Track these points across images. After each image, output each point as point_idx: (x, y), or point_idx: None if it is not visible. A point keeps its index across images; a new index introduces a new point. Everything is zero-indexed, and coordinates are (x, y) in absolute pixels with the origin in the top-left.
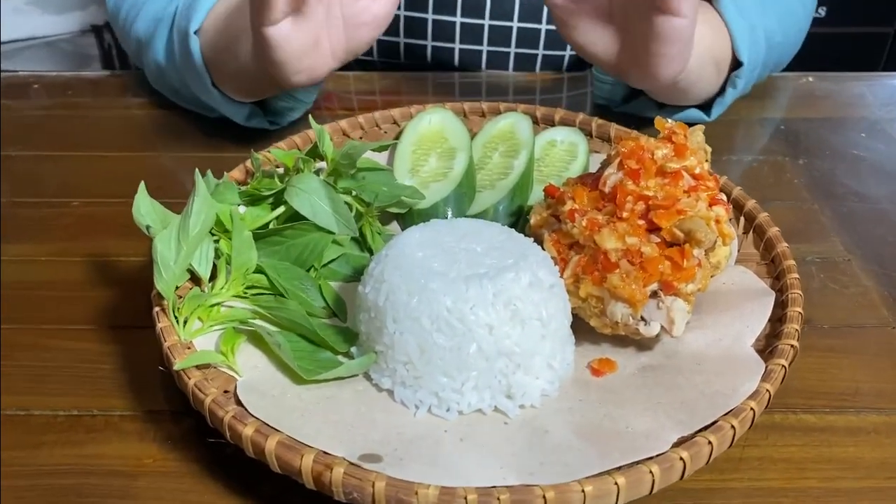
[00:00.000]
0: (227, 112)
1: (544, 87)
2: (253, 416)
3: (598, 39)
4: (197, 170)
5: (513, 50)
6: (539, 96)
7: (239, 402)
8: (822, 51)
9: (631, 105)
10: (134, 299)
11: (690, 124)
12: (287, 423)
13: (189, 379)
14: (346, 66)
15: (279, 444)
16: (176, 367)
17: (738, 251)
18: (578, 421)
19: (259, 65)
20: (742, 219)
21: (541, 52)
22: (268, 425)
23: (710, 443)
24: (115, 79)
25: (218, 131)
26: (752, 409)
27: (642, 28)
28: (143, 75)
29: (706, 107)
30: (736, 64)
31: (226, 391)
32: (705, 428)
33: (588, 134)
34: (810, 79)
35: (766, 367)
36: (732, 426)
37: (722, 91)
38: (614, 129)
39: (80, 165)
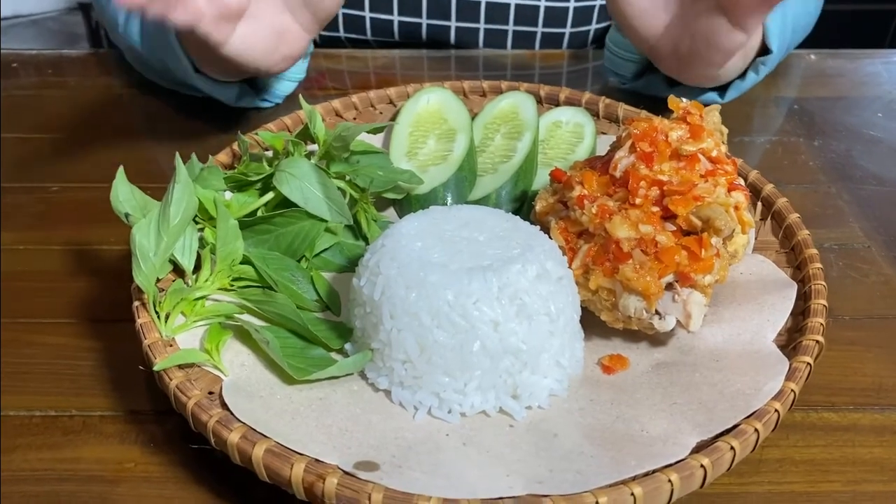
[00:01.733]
0: (214, 94)
1: (543, 66)
2: (239, 420)
3: (645, 17)
4: (178, 154)
5: (511, 27)
6: (538, 73)
7: (225, 405)
8: (824, 28)
9: (641, 82)
10: (116, 291)
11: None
12: (276, 427)
13: (171, 380)
14: (339, 45)
15: (267, 451)
16: (156, 367)
17: (756, 238)
18: (590, 423)
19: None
20: (759, 204)
21: (540, 29)
22: (255, 430)
23: (732, 448)
24: (99, 57)
25: (205, 111)
26: (776, 410)
27: (698, 27)
28: (122, 56)
29: (722, 88)
30: (762, 49)
31: (211, 392)
32: (726, 431)
33: (595, 114)
34: (812, 57)
35: (790, 365)
36: (756, 430)
37: (742, 74)
38: (622, 109)
39: (61, 148)
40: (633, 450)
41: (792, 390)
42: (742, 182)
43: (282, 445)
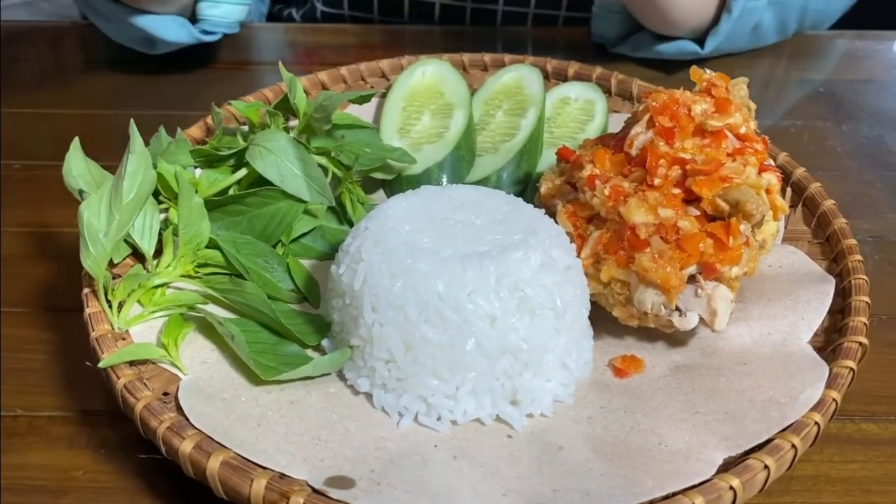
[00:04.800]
0: (147, 26)
1: (536, 43)
2: (195, 426)
3: None
4: (132, 121)
5: (500, 8)
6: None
7: (181, 408)
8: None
9: (627, 43)
10: (76, 277)
11: (687, 63)
12: (238, 435)
13: (118, 378)
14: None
15: (224, 464)
16: (101, 363)
17: (785, 227)
18: (600, 434)
19: None
20: (789, 189)
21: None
22: (213, 439)
23: (766, 467)
24: (75, 29)
25: (185, 88)
26: (816, 423)
27: None
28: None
29: (699, 40)
30: None
31: (166, 393)
32: (758, 446)
33: (607, 91)
34: (839, 38)
35: (830, 370)
36: (793, 445)
37: (716, 21)
38: (637, 85)
39: (28, 123)
40: (650, 467)
41: (833, 399)
42: (772, 162)
43: (242, 457)
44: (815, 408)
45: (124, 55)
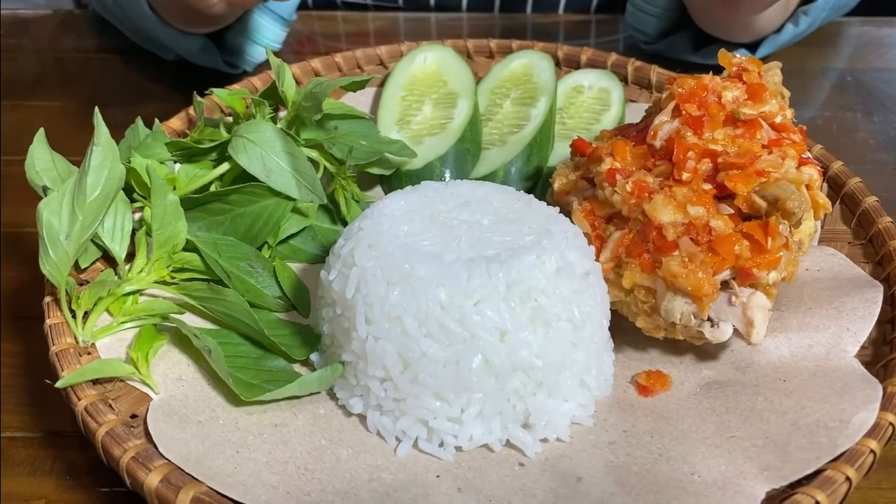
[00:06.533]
0: (174, 44)
1: (536, 32)
2: (163, 456)
3: None
4: (97, 109)
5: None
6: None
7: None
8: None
9: (664, 43)
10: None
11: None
12: (213, 465)
13: (79, 400)
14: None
15: (196, 500)
16: (60, 382)
17: (822, 226)
18: (623, 462)
19: None
20: (825, 185)
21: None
22: (183, 471)
23: (816, 503)
24: (63, 17)
25: (178, 79)
26: (871, 451)
27: None
28: (96, 13)
29: (752, 45)
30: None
31: (134, 415)
32: (805, 478)
33: (623, 79)
34: (865, 25)
35: (885, 389)
36: (847, 478)
37: (779, 28)
38: (655, 72)
39: (15, 116)
40: (681, 501)
41: (890, 424)
42: (810, 155)
43: (216, 492)
44: (870, 433)
45: (114, 44)
